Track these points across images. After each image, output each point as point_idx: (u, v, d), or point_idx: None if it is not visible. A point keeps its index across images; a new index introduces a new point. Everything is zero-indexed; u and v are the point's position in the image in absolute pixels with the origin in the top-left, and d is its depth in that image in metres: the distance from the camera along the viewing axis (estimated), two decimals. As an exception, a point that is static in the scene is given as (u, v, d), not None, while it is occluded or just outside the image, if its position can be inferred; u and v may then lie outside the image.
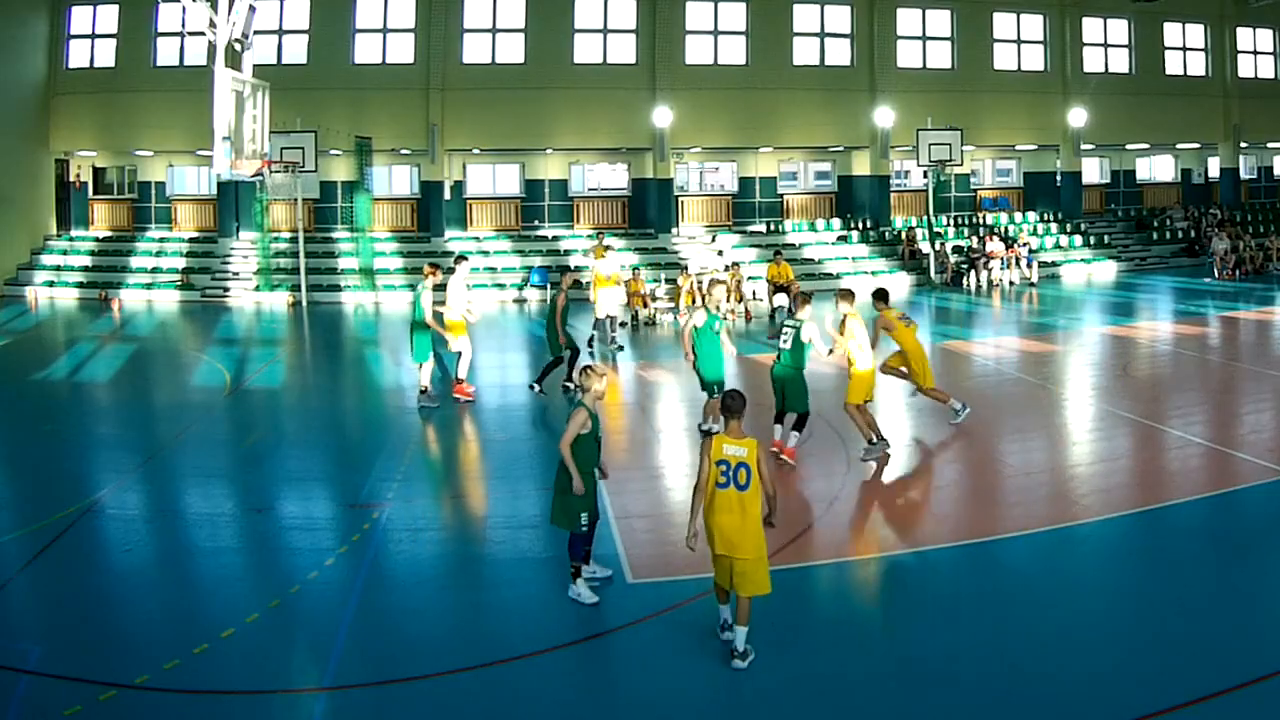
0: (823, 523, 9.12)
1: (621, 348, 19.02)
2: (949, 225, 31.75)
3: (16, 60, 27.95)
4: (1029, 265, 28.80)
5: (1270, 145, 37.05)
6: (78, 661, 6.47)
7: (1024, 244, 29.74)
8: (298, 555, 8.61)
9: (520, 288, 27.73)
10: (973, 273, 28.36)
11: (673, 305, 23.02)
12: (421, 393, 13.90)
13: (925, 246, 29.39)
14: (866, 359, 10.94)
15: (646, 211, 31.40)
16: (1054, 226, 32.92)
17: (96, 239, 30.43)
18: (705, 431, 11.46)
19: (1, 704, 5.99)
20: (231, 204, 29.85)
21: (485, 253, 29.77)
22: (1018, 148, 34.20)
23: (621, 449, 12.05)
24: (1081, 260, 31.16)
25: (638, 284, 22.87)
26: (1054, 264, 30.34)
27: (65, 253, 29.46)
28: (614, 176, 32.88)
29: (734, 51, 30.83)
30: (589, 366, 7.64)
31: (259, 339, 21.85)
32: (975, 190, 35.10)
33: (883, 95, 30.66)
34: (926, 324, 23.24)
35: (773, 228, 31.74)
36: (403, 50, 29.49)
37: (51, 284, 28.05)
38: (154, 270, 28.62)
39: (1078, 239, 32.13)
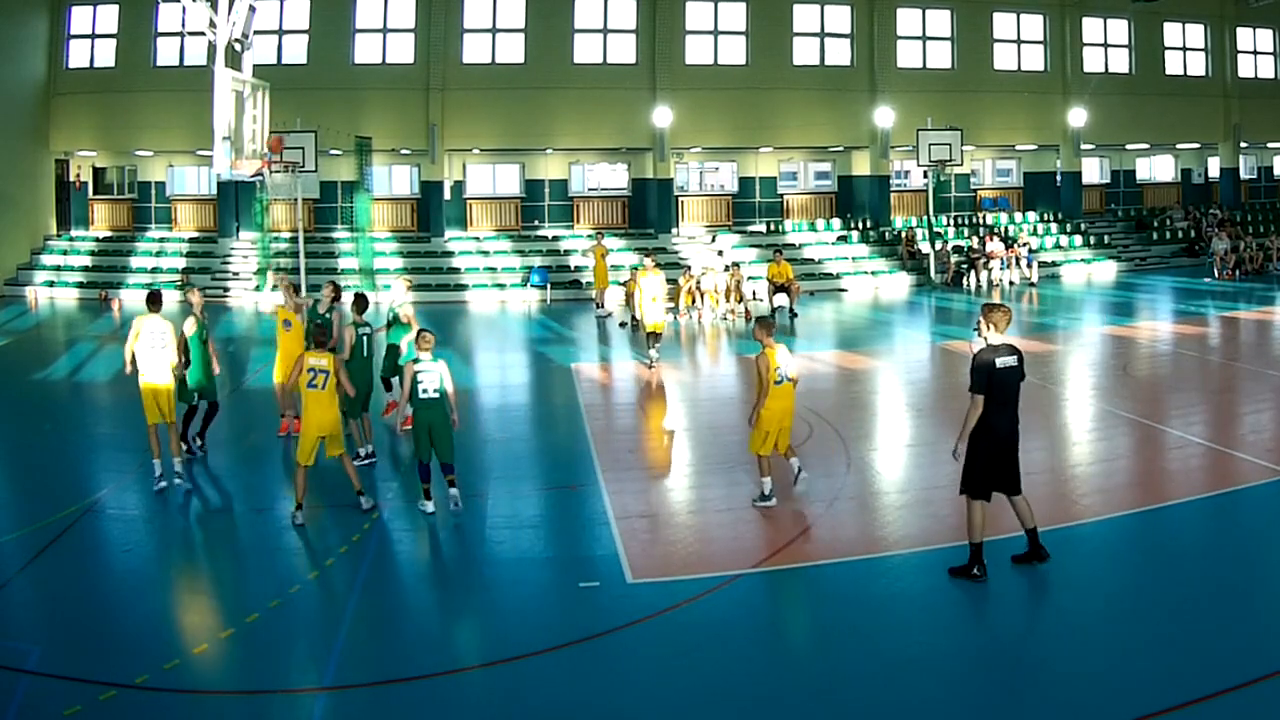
0: (823, 523, 9.12)
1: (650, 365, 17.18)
2: (949, 225, 31.75)
3: (16, 60, 27.94)
4: (1029, 265, 28.80)
5: (1270, 145, 37.03)
6: (78, 661, 6.47)
7: (1024, 244, 29.74)
8: (298, 555, 8.62)
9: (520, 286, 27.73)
10: (973, 273, 28.36)
11: (672, 305, 23.01)
12: None
13: (925, 246, 29.39)
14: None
15: (646, 211, 31.40)
16: (1054, 226, 32.92)
17: (96, 239, 30.42)
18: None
19: (1, 704, 5.99)
20: (231, 204, 29.85)
21: (485, 253, 29.79)
22: (1018, 148, 34.20)
23: (623, 449, 12.04)
24: (1082, 260, 31.14)
25: (636, 284, 22.86)
26: (1054, 264, 30.33)
27: (65, 253, 29.45)
28: (614, 176, 32.87)
29: (734, 51, 30.83)
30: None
31: (258, 339, 21.81)
32: (975, 190, 35.09)
33: (883, 95, 30.66)
34: (927, 323, 23.26)
35: (773, 228, 31.73)
36: (402, 50, 29.49)
37: (51, 284, 28.04)
38: (154, 270, 28.60)
39: (1077, 239, 32.14)
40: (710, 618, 7.13)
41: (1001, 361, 7.48)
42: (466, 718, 6.03)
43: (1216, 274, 28.38)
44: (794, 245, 30.16)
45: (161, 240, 30.34)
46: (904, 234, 30.73)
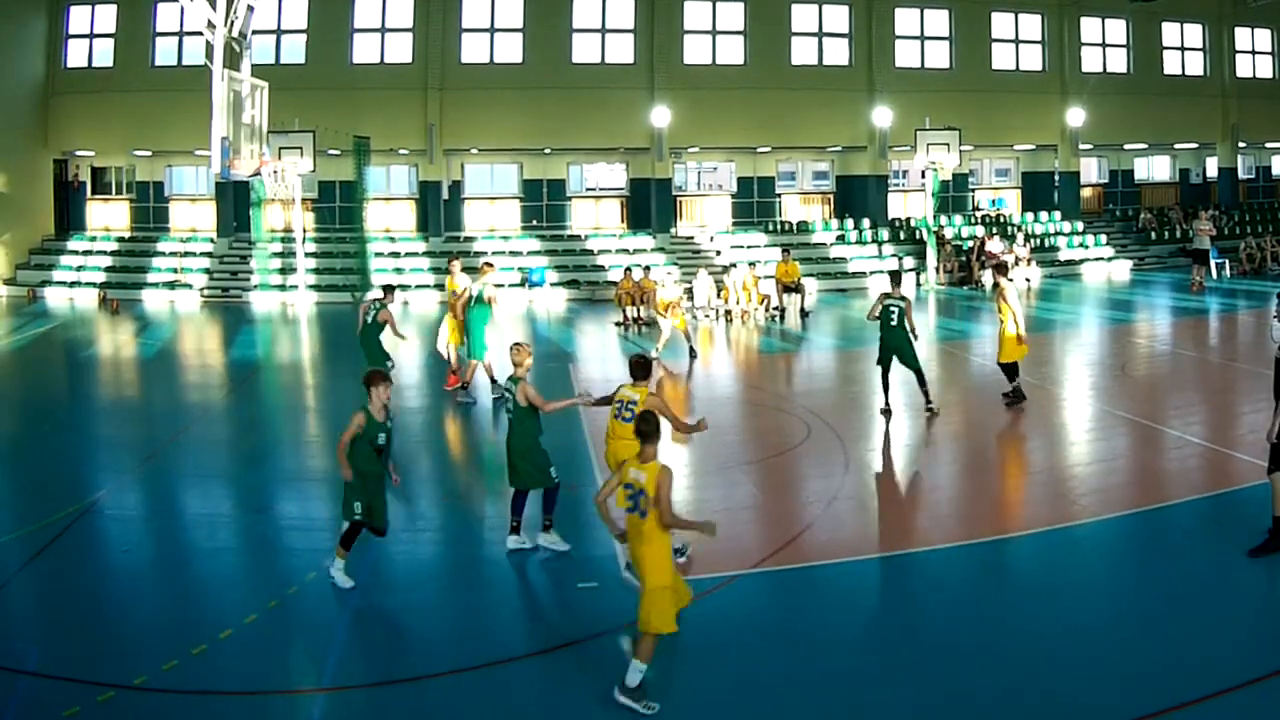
0: (821, 523, 9.11)
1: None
2: (947, 225, 31.75)
3: (16, 60, 27.93)
4: (1029, 264, 28.81)
5: (1268, 145, 37.04)
6: (76, 662, 6.46)
7: (1024, 244, 29.75)
8: (296, 556, 8.61)
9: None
10: (972, 272, 28.36)
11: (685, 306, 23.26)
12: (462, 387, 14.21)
13: (929, 248, 29.38)
14: None
15: (645, 211, 31.40)
16: (1065, 225, 32.87)
17: (95, 239, 30.39)
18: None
19: (1, 704, 5.98)
20: (230, 204, 29.83)
21: (482, 253, 29.75)
22: (1016, 147, 34.21)
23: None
24: (1091, 260, 31.17)
25: (649, 284, 22.95)
26: (1060, 262, 30.36)
27: (64, 253, 29.42)
28: (612, 176, 32.88)
29: (732, 51, 30.85)
30: (517, 344, 8.78)
31: (257, 339, 21.82)
32: (974, 190, 35.10)
33: (881, 95, 30.65)
34: (927, 323, 23.23)
35: (787, 227, 31.63)
36: (401, 50, 29.49)
37: (49, 284, 28.02)
38: (152, 270, 28.59)
39: (1075, 239, 32.14)
40: (709, 618, 7.12)
41: None
42: (465, 718, 6.03)
43: (1215, 274, 28.34)
44: (793, 245, 30.14)
45: (159, 240, 30.30)
46: (902, 234, 30.71)
